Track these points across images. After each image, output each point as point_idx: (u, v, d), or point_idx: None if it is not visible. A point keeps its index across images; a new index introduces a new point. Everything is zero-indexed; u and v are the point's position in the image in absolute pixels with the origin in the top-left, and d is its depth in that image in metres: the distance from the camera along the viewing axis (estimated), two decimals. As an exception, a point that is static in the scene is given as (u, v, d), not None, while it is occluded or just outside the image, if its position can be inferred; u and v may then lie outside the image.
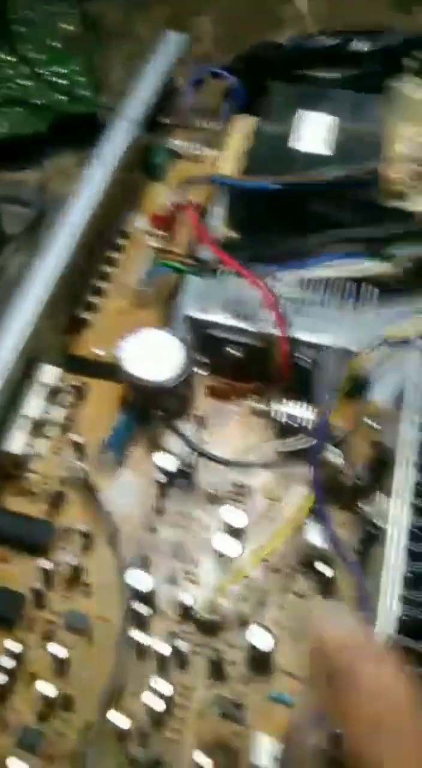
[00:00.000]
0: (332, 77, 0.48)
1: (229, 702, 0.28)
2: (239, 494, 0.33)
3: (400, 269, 0.40)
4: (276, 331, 0.32)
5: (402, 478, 0.28)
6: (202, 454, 0.32)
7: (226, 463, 0.31)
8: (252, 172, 0.37)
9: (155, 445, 0.34)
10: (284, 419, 0.32)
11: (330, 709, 0.19)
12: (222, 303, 0.34)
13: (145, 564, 0.31)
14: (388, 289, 0.41)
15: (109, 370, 0.35)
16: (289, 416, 0.32)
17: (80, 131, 0.49)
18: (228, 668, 0.29)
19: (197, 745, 0.27)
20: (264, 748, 0.26)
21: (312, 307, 0.35)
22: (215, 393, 0.35)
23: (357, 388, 0.36)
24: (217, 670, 0.29)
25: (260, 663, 0.29)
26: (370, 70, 0.49)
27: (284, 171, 0.37)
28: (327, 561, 0.30)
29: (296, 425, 0.32)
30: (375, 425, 0.33)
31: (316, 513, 0.29)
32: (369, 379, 0.32)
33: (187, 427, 0.34)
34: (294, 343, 0.32)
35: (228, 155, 0.40)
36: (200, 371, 0.36)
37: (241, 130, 0.41)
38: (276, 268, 0.36)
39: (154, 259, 0.38)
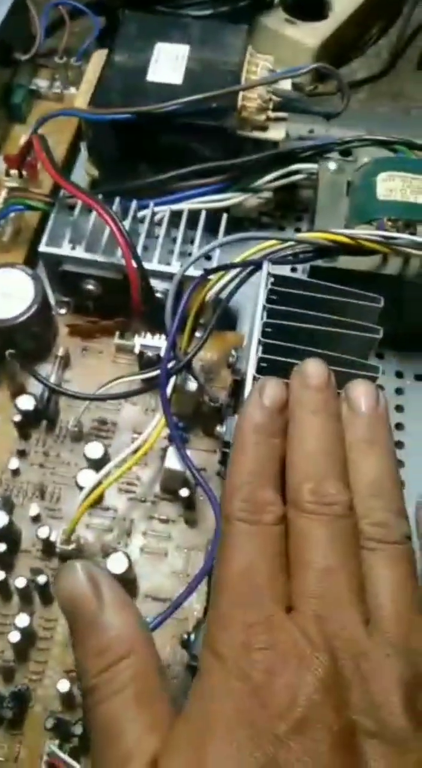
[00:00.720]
0: (202, 14, 0.47)
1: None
2: (104, 430, 0.33)
3: (264, 200, 0.40)
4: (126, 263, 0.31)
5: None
6: (58, 391, 0.32)
7: (80, 397, 0.31)
8: (101, 104, 0.36)
9: (18, 387, 0.33)
10: (144, 351, 0.32)
11: None
12: (76, 238, 0.34)
13: (7, 505, 0.31)
14: (253, 221, 0.41)
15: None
16: (147, 347, 0.32)
17: None
18: (92, 598, 0.29)
19: (62, 674, 0.28)
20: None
21: (166, 239, 0.34)
22: (78, 332, 0.35)
23: (220, 318, 0.36)
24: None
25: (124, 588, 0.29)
26: (241, 6, 0.48)
27: (134, 102, 0.36)
28: (188, 485, 0.30)
29: (155, 356, 0.32)
30: (234, 353, 0.34)
31: (170, 438, 0.29)
32: (229, 308, 0.32)
33: (48, 368, 0.34)
34: (144, 274, 0.31)
35: (83, 89, 0.38)
36: (62, 311, 0.35)
37: (97, 64, 0.40)
38: (137, 203, 0.36)
39: (7, 198, 0.36)
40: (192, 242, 0.35)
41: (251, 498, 0.21)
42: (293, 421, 0.23)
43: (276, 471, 0.22)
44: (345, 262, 0.33)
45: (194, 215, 0.36)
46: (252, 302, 0.35)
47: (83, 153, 0.43)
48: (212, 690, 0.19)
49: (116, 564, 0.28)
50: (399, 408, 0.36)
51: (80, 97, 0.38)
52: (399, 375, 0.37)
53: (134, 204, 0.35)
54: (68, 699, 0.27)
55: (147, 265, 0.32)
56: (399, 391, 0.37)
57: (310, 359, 0.25)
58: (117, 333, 0.34)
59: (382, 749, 0.18)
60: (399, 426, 0.36)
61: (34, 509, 0.31)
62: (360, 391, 0.24)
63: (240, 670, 0.19)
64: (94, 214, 0.34)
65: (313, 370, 0.24)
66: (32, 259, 0.38)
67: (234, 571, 0.21)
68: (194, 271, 0.31)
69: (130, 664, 0.20)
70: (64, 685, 0.27)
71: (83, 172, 0.41)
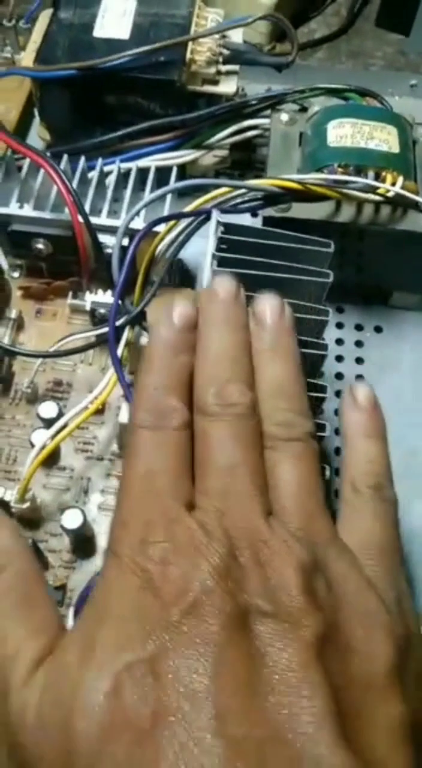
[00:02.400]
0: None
1: (51, 588, 0.28)
2: (59, 391, 0.33)
3: (219, 158, 0.40)
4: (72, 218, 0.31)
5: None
6: (11, 351, 0.31)
7: (34, 355, 0.31)
8: (48, 62, 0.35)
9: (-30, 353, 0.33)
10: (96, 308, 0.32)
11: None
12: (25, 197, 0.33)
13: (-37, 469, 0.30)
14: (208, 177, 0.41)
15: None
16: (98, 304, 0.31)
17: None
18: (50, 556, 0.29)
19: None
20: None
21: (116, 196, 0.34)
22: (30, 294, 0.34)
23: (178, 274, 0.36)
24: (40, 560, 0.28)
25: (82, 546, 0.29)
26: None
27: (81, 59, 0.35)
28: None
29: (105, 312, 0.32)
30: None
31: (124, 395, 0.29)
32: (172, 259, 0.32)
33: (1, 331, 0.33)
34: (91, 229, 0.31)
35: (29, 49, 0.37)
36: (15, 274, 0.35)
37: (45, 23, 0.39)
38: (86, 162, 0.35)
39: None
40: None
41: (155, 407, 0.22)
42: (199, 333, 0.24)
43: (182, 383, 0.23)
44: (298, 210, 0.33)
45: (145, 174, 0.35)
46: (201, 256, 0.34)
47: (37, 119, 0.43)
48: (106, 588, 0.19)
49: (71, 519, 0.27)
50: (359, 360, 0.36)
51: (27, 56, 0.38)
52: (359, 328, 0.37)
53: (82, 161, 0.34)
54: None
55: (95, 220, 0.31)
56: (358, 344, 0.36)
57: (217, 276, 0.26)
58: (70, 293, 0.34)
59: (277, 628, 0.18)
60: (359, 377, 0.35)
61: (-11, 472, 0.30)
62: (265, 305, 0.25)
63: (136, 564, 0.19)
64: (41, 172, 0.33)
65: (220, 285, 0.25)
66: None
67: (135, 474, 0.21)
68: (142, 225, 0.30)
69: (6, 577, 0.20)
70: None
71: (37, 138, 0.40)
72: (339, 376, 0.36)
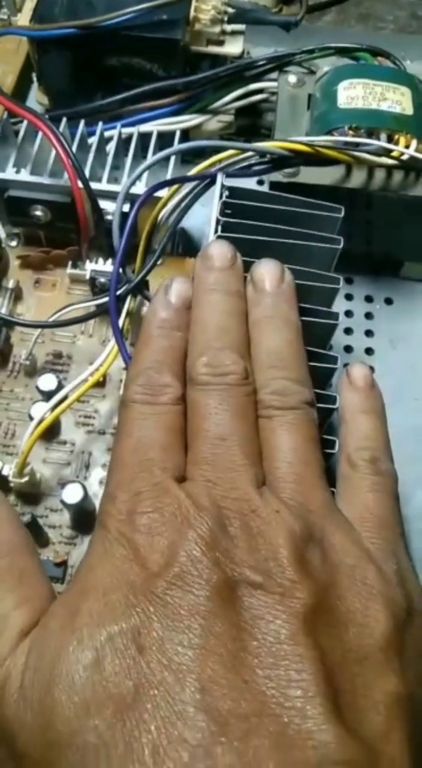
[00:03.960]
0: None
1: (51, 564, 0.27)
2: (59, 363, 0.32)
3: (224, 124, 0.38)
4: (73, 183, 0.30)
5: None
6: (9, 322, 0.30)
7: (33, 325, 0.30)
8: (45, 21, 0.34)
9: (-33, 324, 0.32)
10: (96, 277, 0.30)
11: None
12: (22, 162, 0.32)
13: (-40, 443, 0.29)
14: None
15: None
16: (98, 273, 0.30)
17: None
18: (51, 532, 0.28)
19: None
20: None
21: (116, 162, 0.32)
22: (29, 264, 0.33)
23: (181, 243, 0.35)
24: (40, 535, 0.28)
25: (82, 521, 0.28)
26: None
27: (83, 17, 0.34)
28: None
29: (108, 282, 0.30)
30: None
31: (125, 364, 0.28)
32: (187, 232, 0.31)
33: (-1, 302, 0.32)
34: (92, 195, 0.30)
35: (27, 8, 0.36)
36: (13, 243, 0.34)
37: (42, -19, 0.37)
38: (85, 127, 0.34)
39: None
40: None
41: (148, 382, 0.21)
42: (194, 301, 0.23)
43: (177, 359, 0.22)
44: (306, 176, 0.31)
45: (148, 140, 0.34)
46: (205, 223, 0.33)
47: (35, 84, 0.41)
48: (92, 560, 0.19)
49: (71, 494, 0.26)
50: (369, 333, 0.35)
51: (23, 16, 0.36)
52: (369, 299, 0.36)
53: (81, 126, 0.33)
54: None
55: (95, 186, 0.30)
56: (368, 316, 0.35)
57: (214, 241, 0.25)
58: (70, 263, 0.33)
59: (266, 599, 0.18)
60: (369, 351, 0.34)
61: (-13, 446, 0.29)
62: (263, 270, 0.24)
63: (122, 535, 0.19)
64: (39, 136, 0.32)
65: (215, 250, 0.24)
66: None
67: (126, 447, 0.20)
68: (140, 188, 0.29)
69: None
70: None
71: (35, 103, 0.39)
72: (348, 349, 0.34)
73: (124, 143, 0.34)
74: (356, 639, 0.18)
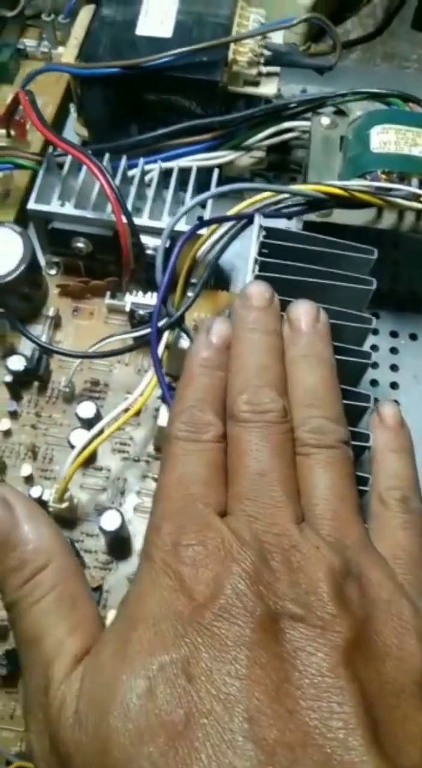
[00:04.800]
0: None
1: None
2: (96, 391, 0.33)
3: (256, 159, 0.39)
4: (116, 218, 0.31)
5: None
6: (49, 350, 0.31)
7: (73, 356, 0.31)
8: (90, 59, 0.35)
9: (7, 349, 0.33)
10: (135, 309, 0.31)
11: None
12: (66, 195, 0.33)
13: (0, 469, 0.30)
14: (246, 180, 0.41)
15: None
16: (138, 305, 0.31)
17: None
18: (86, 556, 0.29)
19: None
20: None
21: (157, 197, 0.34)
22: (68, 293, 0.34)
23: (214, 276, 0.36)
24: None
25: (118, 547, 0.29)
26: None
27: (123, 57, 0.35)
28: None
29: (148, 315, 0.31)
30: (227, 312, 0.33)
31: (163, 398, 0.29)
32: (214, 262, 0.32)
33: (38, 329, 0.33)
34: (135, 230, 0.31)
35: (70, 45, 0.37)
36: (53, 272, 0.35)
37: (85, 18, 0.39)
38: (127, 161, 0.35)
39: (-6, 158, 0.36)
40: (183, 203, 0.35)
41: (191, 420, 0.22)
42: (234, 340, 0.24)
43: (218, 398, 0.23)
44: (339, 216, 0.33)
45: (185, 174, 0.35)
46: (240, 259, 0.34)
47: (73, 114, 0.43)
48: (140, 590, 0.20)
49: (109, 521, 0.27)
50: (393, 367, 0.36)
51: (68, 52, 0.37)
52: (394, 335, 0.37)
53: (123, 161, 0.34)
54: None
55: (137, 221, 0.31)
56: (393, 351, 0.36)
57: (253, 281, 0.26)
58: (108, 293, 0.34)
59: (308, 632, 0.18)
60: (393, 385, 0.35)
61: (26, 470, 0.30)
62: (300, 310, 0.25)
63: (168, 566, 0.19)
64: (83, 170, 0.33)
65: (254, 290, 0.25)
66: (22, 220, 0.38)
67: (170, 481, 0.21)
68: (185, 227, 0.30)
69: (48, 574, 0.21)
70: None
71: (73, 133, 0.40)
72: (373, 383, 0.35)
73: (161, 176, 0.35)
74: (393, 672, 0.19)
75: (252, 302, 0.25)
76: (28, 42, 0.45)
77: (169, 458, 0.22)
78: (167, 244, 0.29)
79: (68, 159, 0.34)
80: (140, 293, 0.32)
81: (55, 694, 0.19)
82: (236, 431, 0.22)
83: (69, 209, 0.32)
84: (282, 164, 0.42)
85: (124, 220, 0.30)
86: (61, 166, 0.35)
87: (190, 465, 0.22)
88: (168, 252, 0.29)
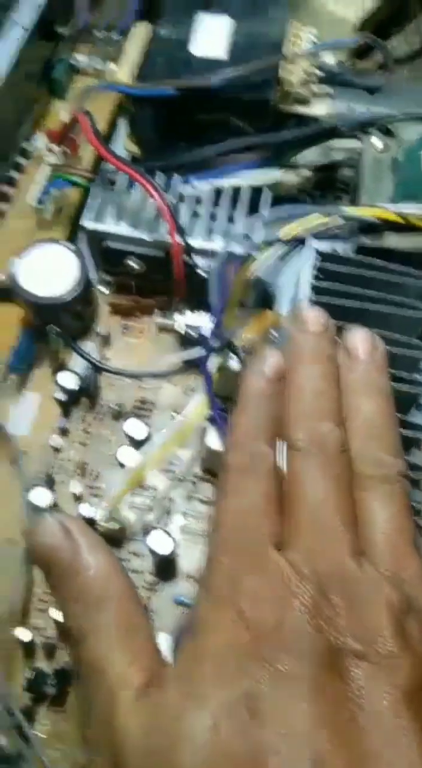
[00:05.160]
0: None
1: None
2: (143, 409, 0.33)
3: (303, 178, 0.39)
4: (171, 238, 0.31)
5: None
6: (101, 368, 0.31)
7: (125, 375, 0.31)
8: (146, 79, 0.36)
9: (58, 365, 0.33)
10: (185, 330, 0.32)
11: None
12: (120, 214, 0.33)
13: (49, 484, 0.31)
14: (293, 199, 0.40)
15: (9, 293, 0.34)
16: (189, 327, 0.31)
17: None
18: (133, 577, 0.29)
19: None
20: (165, 645, 0.26)
21: (211, 216, 0.34)
22: (119, 311, 0.35)
23: (258, 296, 0.36)
24: (123, 579, 0.29)
25: (164, 568, 0.29)
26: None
27: (179, 77, 0.35)
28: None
29: (197, 336, 0.32)
30: (274, 332, 0.33)
31: (212, 418, 0.29)
32: (266, 284, 0.32)
33: (89, 346, 0.33)
34: (189, 251, 0.31)
35: (125, 63, 0.38)
36: (104, 290, 0.35)
37: (139, 37, 0.39)
38: (179, 179, 0.35)
39: (50, 174, 0.36)
40: (230, 220, 0.35)
41: (248, 450, 0.22)
42: (289, 367, 0.24)
43: (274, 428, 0.23)
44: (391, 240, 0.32)
45: (233, 192, 0.35)
46: (287, 279, 0.34)
47: (121, 129, 0.43)
48: (200, 621, 0.19)
49: (159, 543, 0.27)
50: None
51: (122, 71, 0.38)
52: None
53: (176, 179, 0.34)
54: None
55: (190, 241, 0.31)
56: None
57: (308, 307, 0.26)
58: (157, 311, 0.34)
59: (370, 670, 0.18)
60: (442, 411, 0.35)
61: (75, 487, 0.31)
62: (357, 338, 0.25)
63: (227, 599, 0.19)
64: (137, 189, 0.33)
65: (310, 316, 0.25)
66: (74, 236, 0.38)
67: (227, 512, 0.21)
68: (237, 248, 0.30)
69: (108, 603, 0.20)
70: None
71: (121, 148, 0.41)
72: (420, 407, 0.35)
73: (203, 196, 0.35)
74: None
75: (308, 327, 0.25)
76: (80, 57, 0.45)
77: (225, 488, 0.22)
78: (219, 268, 0.30)
79: (122, 177, 0.34)
80: (189, 312, 0.32)
81: (122, 724, 0.19)
82: (294, 462, 0.22)
83: (124, 229, 0.32)
84: (328, 183, 0.42)
85: (179, 240, 0.30)
86: (112, 182, 0.35)
87: (247, 496, 0.21)
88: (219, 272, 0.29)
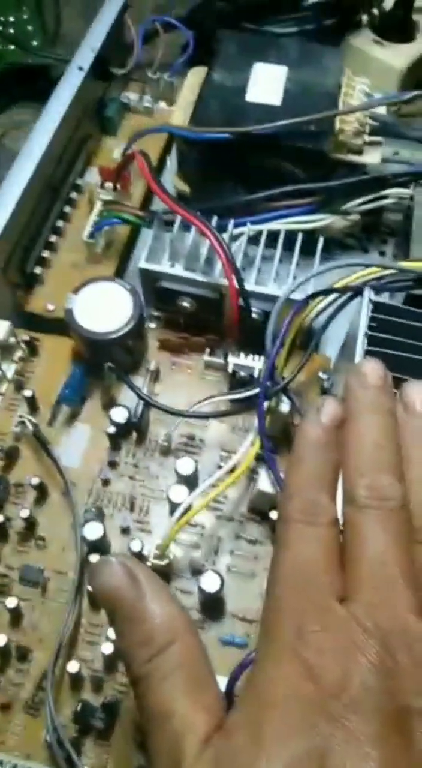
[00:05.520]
0: (286, 31, 0.48)
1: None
2: (192, 446, 0.33)
3: (351, 223, 0.40)
4: (226, 281, 0.32)
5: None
6: (152, 405, 0.32)
7: (175, 413, 0.32)
8: (200, 123, 0.37)
9: (109, 399, 0.34)
10: (237, 371, 0.32)
11: None
12: (174, 254, 0.34)
13: (99, 516, 0.31)
14: (339, 242, 0.41)
15: (62, 326, 0.34)
16: (241, 367, 0.32)
17: (36, 85, 0.48)
18: (181, 614, 0.29)
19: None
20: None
21: (263, 259, 0.34)
22: (168, 347, 0.35)
23: (309, 339, 0.36)
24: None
25: (211, 607, 0.29)
26: (324, 23, 0.49)
27: (233, 122, 0.36)
28: (277, 507, 0.30)
29: (248, 376, 0.32)
30: (324, 376, 0.34)
31: (263, 459, 0.29)
32: (320, 331, 0.32)
33: (139, 381, 0.34)
34: (245, 294, 0.32)
35: (180, 106, 0.39)
36: (153, 325, 0.36)
37: (194, 81, 0.40)
38: (229, 222, 0.36)
39: (102, 211, 0.37)
40: (280, 261, 0.36)
41: (307, 501, 0.22)
42: (349, 419, 0.24)
43: (332, 479, 0.23)
44: (441, 291, 0.33)
45: (285, 236, 0.36)
46: (336, 324, 0.35)
47: (169, 167, 0.44)
48: (265, 674, 0.20)
49: (209, 583, 0.28)
50: None
51: (177, 113, 0.39)
52: None
53: (232, 223, 0.35)
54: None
55: (245, 284, 0.32)
56: None
57: (367, 359, 0.26)
58: (207, 350, 0.35)
59: None
60: None
61: (123, 520, 0.31)
62: (415, 392, 0.25)
63: (293, 651, 0.19)
64: (192, 231, 0.34)
65: (370, 369, 0.25)
66: (121, 270, 0.39)
67: (288, 564, 0.21)
68: (293, 295, 0.31)
69: (175, 651, 0.21)
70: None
71: (170, 185, 0.42)
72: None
73: (255, 239, 0.36)
74: None
75: (368, 381, 0.25)
76: (131, 96, 0.47)
77: (285, 541, 0.22)
78: (277, 313, 0.30)
79: (178, 219, 0.35)
80: (242, 354, 0.33)
81: None
82: (355, 516, 0.22)
83: (179, 271, 0.33)
84: (376, 227, 0.43)
85: (236, 284, 0.31)
86: (168, 223, 0.36)
87: (308, 549, 0.22)
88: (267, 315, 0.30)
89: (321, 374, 0.34)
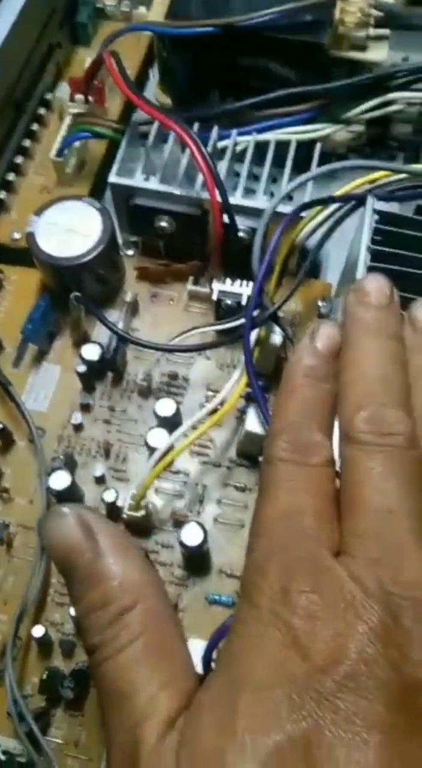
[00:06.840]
0: None
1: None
2: (174, 386, 0.30)
3: (353, 134, 0.36)
4: (208, 195, 0.27)
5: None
6: (128, 339, 0.28)
7: (154, 347, 0.28)
8: (181, 19, 0.32)
9: (81, 336, 0.30)
10: (222, 299, 0.28)
11: None
12: (150, 167, 0.30)
13: (68, 464, 0.28)
14: (340, 157, 0.37)
15: (29, 256, 0.31)
16: (227, 294, 0.28)
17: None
18: (161, 570, 0.26)
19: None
20: (197, 654, 0.23)
21: (250, 178, 0.30)
22: (147, 276, 0.31)
23: (303, 260, 0.32)
24: (150, 574, 0.26)
25: (196, 562, 0.26)
26: None
27: (217, 14, 0.31)
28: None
29: (235, 304, 0.28)
30: (323, 304, 0.30)
31: (253, 398, 0.26)
32: (315, 250, 0.28)
33: (115, 315, 0.30)
34: (229, 209, 0.28)
35: (157, 2, 0.34)
36: (130, 252, 0.32)
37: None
38: (211, 132, 0.32)
39: (72, 125, 0.33)
40: (274, 180, 0.31)
41: (296, 439, 0.19)
42: (346, 343, 0.20)
43: (326, 416, 0.20)
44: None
45: (278, 148, 0.32)
46: (339, 248, 0.31)
47: (152, 80, 0.40)
48: (242, 644, 0.16)
49: (190, 536, 0.25)
50: None
51: (155, 10, 0.34)
52: None
53: (215, 131, 0.31)
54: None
55: (230, 198, 0.28)
56: None
57: (370, 274, 0.22)
58: (190, 278, 0.31)
59: None
60: None
61: (98, 469, 0.28)
62: None
63: (278, 617, 0.16)
64: (170, 142, 0.30)
65: (373, 285, 0.21)
66: (97, 194, 0.35)
67: (274, 512, 0.18)
68: (284, 208, 0.27)
69: (136, 616, 0.18)
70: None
71: (152, 99, 0.37)
72: None
73: (241, 156, 0.31)
74: None
75: (370, 299, 0.21)
76: (107, 1, 0.42)
77: (270, 484, 0.19)
78: (250, 224, 0.26)
79: (153, 129, 0.30)
80: (228, 280, 0.29)
81: (147, 760, 0.16)
82: (354, 455, 0.19)
83: (154, 184, 0.29)
84: (381, 140, 0.38)
85: (219, 197, 0.27)
86: (144, 136, 0.32)
87: (297, 493, 0.18)
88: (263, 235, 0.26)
89: (320, 303, 0.30)
